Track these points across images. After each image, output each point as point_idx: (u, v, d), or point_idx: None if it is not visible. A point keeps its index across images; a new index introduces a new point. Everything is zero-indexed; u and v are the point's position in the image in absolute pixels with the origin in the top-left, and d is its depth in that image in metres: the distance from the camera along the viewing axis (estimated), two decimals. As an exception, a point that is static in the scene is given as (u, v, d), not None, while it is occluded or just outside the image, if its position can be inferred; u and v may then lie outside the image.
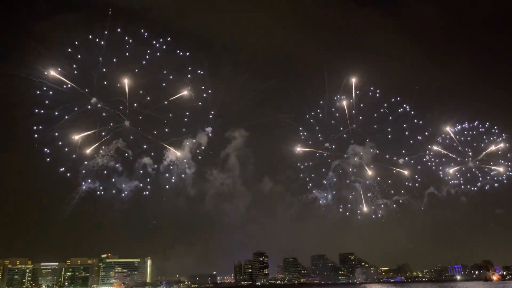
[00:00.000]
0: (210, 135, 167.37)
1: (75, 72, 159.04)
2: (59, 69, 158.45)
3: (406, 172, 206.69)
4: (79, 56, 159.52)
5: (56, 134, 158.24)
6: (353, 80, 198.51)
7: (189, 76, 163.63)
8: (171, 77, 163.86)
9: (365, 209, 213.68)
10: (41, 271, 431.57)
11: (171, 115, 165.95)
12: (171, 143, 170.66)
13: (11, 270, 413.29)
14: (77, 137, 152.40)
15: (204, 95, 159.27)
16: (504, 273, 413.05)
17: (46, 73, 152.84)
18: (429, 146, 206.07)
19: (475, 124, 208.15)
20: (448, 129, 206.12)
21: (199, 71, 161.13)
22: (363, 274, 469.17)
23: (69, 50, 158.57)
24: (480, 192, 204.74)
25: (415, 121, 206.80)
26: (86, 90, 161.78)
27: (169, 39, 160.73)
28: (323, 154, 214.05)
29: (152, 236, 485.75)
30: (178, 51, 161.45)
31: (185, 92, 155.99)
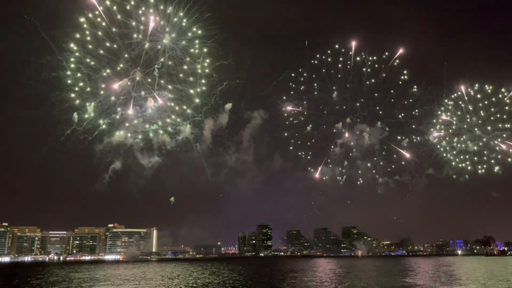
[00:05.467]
0: (229, 111, 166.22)
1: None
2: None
3: (407, 154, 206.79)
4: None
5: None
6: (364, 58, 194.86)
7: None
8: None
9: (367, 186, 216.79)
10: (49, 239, 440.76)
11: (196, 90, 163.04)
12: (191, 122, 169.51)
13: (20, 237, 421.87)
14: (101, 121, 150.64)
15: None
16: (506, 248, 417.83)
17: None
18: (432, 130, 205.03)
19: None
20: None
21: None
22: (365, 247, 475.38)
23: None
24: (477, 176, 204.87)
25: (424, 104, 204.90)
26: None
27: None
28: (331, 132, 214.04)
29: (164, 207, 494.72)
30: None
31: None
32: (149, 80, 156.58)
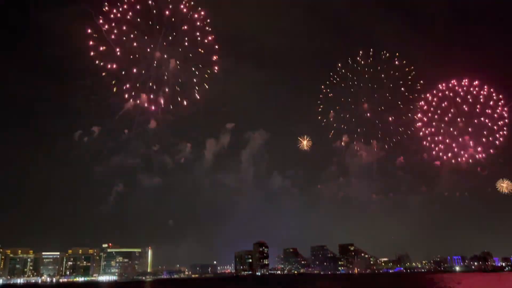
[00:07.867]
0: (231, 130, 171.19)
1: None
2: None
3: (402, 173, 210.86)
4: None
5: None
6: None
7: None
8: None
9: (363, 203, 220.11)
10: (42, 260, 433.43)
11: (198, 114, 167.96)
12: (193, 142, 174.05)
13: (12, 259, 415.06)
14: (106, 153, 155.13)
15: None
16: (503, 264, 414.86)
17: None
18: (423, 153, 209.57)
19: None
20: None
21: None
22: (363, 264, 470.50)
23: None
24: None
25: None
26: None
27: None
28: (329, 151, 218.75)
29: (162, 227, 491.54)
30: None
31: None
32: (153, 103, 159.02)
